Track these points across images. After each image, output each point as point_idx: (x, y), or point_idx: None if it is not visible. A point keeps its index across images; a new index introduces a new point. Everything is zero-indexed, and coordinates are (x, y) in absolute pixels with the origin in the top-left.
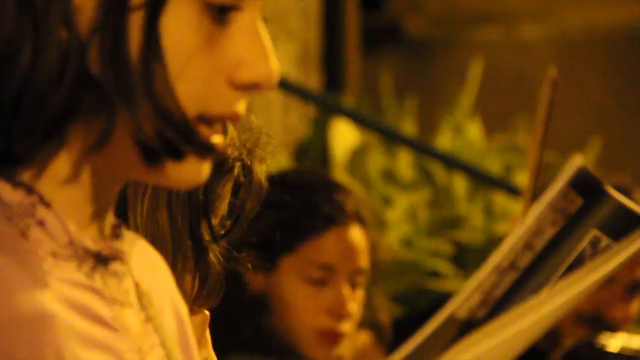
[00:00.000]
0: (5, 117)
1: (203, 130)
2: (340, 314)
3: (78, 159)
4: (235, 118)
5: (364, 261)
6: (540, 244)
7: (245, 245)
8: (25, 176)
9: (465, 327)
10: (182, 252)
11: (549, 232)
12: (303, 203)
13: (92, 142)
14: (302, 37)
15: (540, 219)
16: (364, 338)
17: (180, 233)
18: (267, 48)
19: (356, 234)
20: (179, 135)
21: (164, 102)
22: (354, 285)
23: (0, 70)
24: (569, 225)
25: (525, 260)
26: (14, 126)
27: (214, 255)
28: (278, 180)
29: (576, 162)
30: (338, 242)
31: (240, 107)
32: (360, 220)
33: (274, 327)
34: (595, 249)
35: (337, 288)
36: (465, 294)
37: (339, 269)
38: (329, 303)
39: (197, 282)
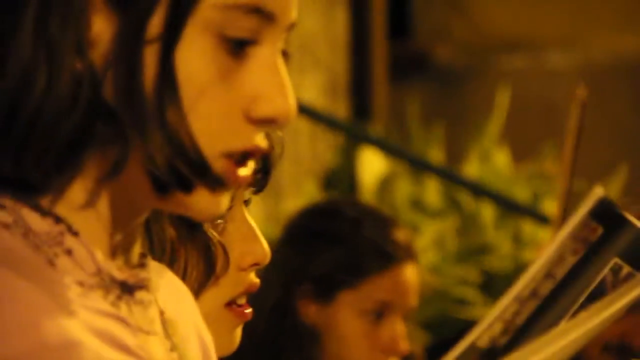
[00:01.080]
0: (18, 144)
1: (228, 165)
2: (394, 351)
3: (94, 188)
4: (258, 151)
5: (416, 298)
6: (561, 272)
7: (305, 276)
8: (58, 205)
9: (486, 355)
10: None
11: (570, 261)
12: (367, 241)
13: (107, 171)
14: (330, 65)
15: (562, 248)
16: None
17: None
18: (285, 83)
19: (411, 271)
20: (189, 167)
21: (177, 134)
22: (406, 322)
23: (14, 98)
24: (589, 254)
25: (546, 288)
26: (26, 153)
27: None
28: (332, 212)
29: (597, 192)
30: (396, 280)
31: (261, 140)
32: (413, 257)
33: (322, 359)
34: (616, 277)
35: (392, 325)
36: (487, 323)
37: (395, 306)
38: (384, 340)
39: (202, 261)
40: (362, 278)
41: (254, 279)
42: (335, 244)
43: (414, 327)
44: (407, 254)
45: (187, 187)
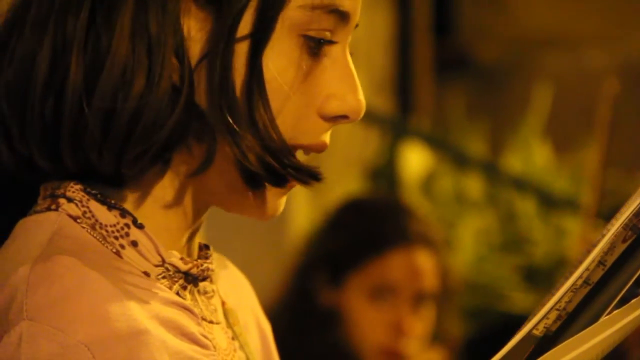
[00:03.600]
0: (118, 143)
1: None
2: (399, 331)
3: (179, 184)
4: (322, 148)
5: (428, 283)
6: (611, 259)
7: (317, 262)
8: (128, 198)
9: (539, 342)
10: None
11: (620, 248)
12: (370, 224)
13: (195, 168)
14: (374, 62)
15: (614, 238)
16: (436, 357)
17: None
18: (356, 81)
19: (421, 257)
20: (281, 163)
21: (267, 132)
22: (418, 306)
23: (114, 98)
24: (638, 241)
25: (597, 275)
26: (126, 151)
27: None
28: (351, 205)
29: None
30: (402, 263)
31: (327, 137)
32: (427, 244)
33: (342, 341)
34: None
35: (398, 307)
36: (543, 313)
37: (402, 289)
38: (388, 321)
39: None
40: (366, 259)
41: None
42: (343, 230)
43: (456, 318)
44: (415, 238)
45: (280, 182)
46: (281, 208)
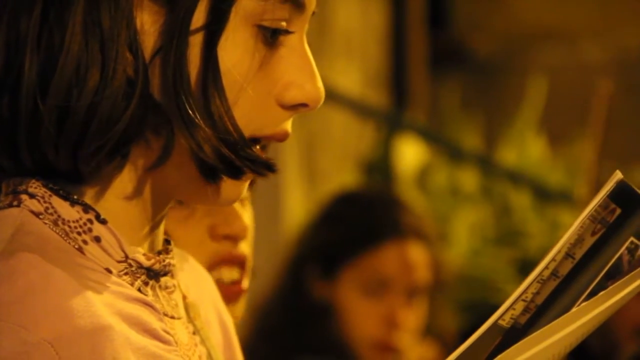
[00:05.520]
0: (73, 139)
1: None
2: (392, 324)
3: (138, 178)
4: (285, 137)
5: (421, 276)
6: (580, 252)
7: (310, 255)
8: (88, 193)
9: (507, 334)
10: None
11: (589, 241)
12: (363, 218)
13: (152, 161)
14: (368, 55)
15: (581, 230)
16: (430, 350)
17: None
18: (314, 69)
19: (414, 250)
20: (237, 155)
21: (223, 123)
22: (411, 299)
23: (68, 94)
24: (607, 234)
25: (566, 268)
26: (82, 147)
27: None
28: (344, 198)
29: (617, 176)
30: (395, 257)
31: (289, 125)
32: (420, 237)
33: (336, 334)
34: (632, 256)
35: (391, 300)
36: (509, 303)
37: (395, 282)
38: (381, 314)
39: None
40: (358, 252)
41: (231, 250)
42: (336, 223)
43: (450, 311)
44: (408, 231)
45: (236, 174)
46: (240, 195)
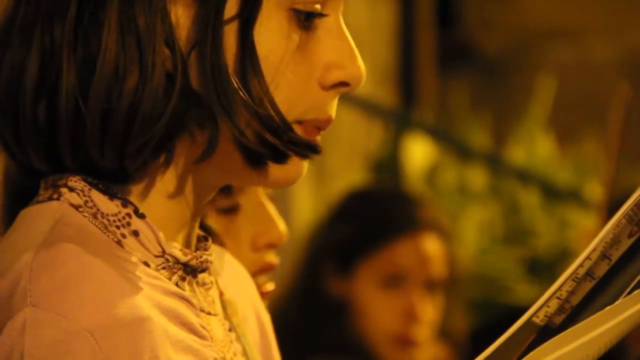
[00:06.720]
0: (118, 139)
1: (304, 131)
2: (411, 317)
3: (183, 173)
4: (328, 122)
5: (438, 270)
6: (616, 254)
7: (326, 252)
8: (134, 192)
9: (542, 332)
10: None
11: (626, 244)
12: (378, 212)
13: (199, 155)
14: (377, 54)
15: (617, 229)
16: (440, 348)
17: None
18: (353, 48)
19: (430, 243)
20: (280, 139)
21: (263, 108)
22: (428, 292)
23: (109, 94)
24: None
25: (602, 269)
26: (127, 145)
27: None
28: (358, 194)
29: None
30: (411, 250)
31: (333, 110)
32: (435, 230)
33: (353, 330)
34: None
35: (408, 293)
36: (543, 300)
37: (412, 276)
38: (400, 307)
39: None
40: (375, 247)
41: (271, 259)
42: (351, 218)
43: (461, 310)
44: (423, 225)
45: (281, 158)
46: (303, 173)
